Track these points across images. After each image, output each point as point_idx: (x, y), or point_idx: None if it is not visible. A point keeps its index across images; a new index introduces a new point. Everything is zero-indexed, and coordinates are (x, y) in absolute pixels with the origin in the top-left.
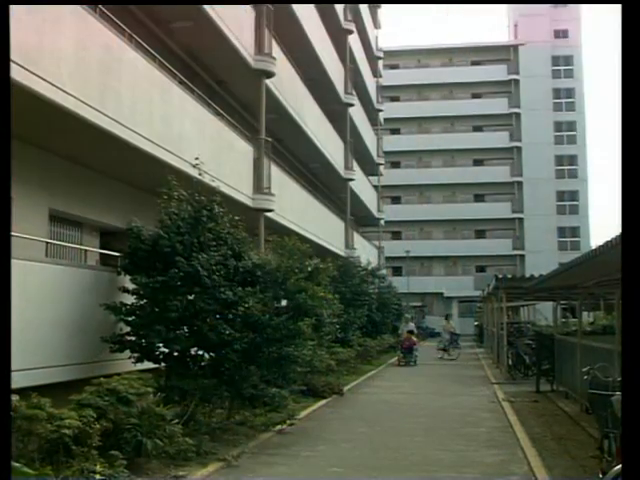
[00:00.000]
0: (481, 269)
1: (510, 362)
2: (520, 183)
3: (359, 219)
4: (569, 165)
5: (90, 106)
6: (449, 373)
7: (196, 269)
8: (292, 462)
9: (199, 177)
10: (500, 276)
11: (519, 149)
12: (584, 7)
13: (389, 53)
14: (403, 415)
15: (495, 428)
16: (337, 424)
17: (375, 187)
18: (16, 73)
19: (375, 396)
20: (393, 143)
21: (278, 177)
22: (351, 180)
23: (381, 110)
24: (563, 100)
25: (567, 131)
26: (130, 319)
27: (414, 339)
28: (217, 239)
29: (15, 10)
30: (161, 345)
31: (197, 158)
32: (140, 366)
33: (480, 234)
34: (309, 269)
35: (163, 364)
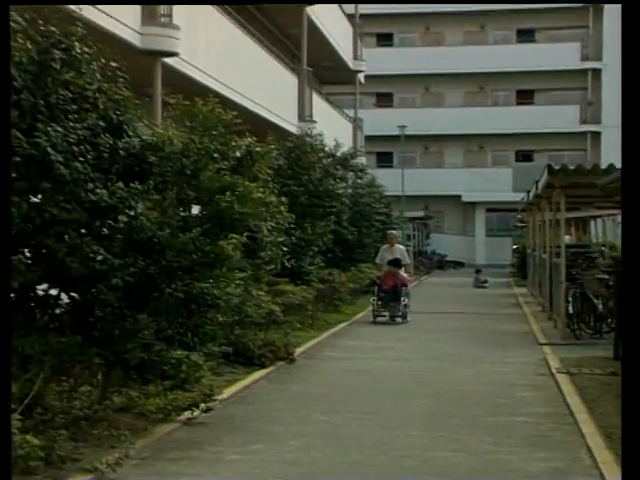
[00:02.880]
0: (525, 157)
1: (571, 310)
2: (599, 10)
3: (323, 72)
4: None
5: None
6: (469, 328)
7: (44, 151)
8: (208, 471)
9: None
10: (557, 167)
11: None
12: None
13: None
14: (392, 395)
15: (544, 416)
16: (283, 409)
17: (350, 17)
18: None
19: (347, 364)
20: None
21: None
22: (309, 3)
23: None
24: None
25: None
26: None
27: (403, 275)
28: (80, 100)
29: None
30: None
31: None
32: None
33: (526, 97)
34: (237, 154)
35: None
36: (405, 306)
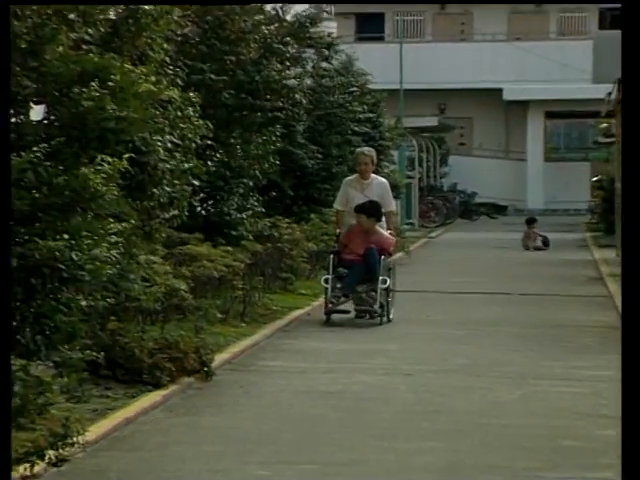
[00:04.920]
0: (617, 20)
1: None
2: None
3: None
4: None
5: None
6: (515, 319)
7: None
8: None
9: None
10: None
11: None
12: None
13: None
14: (381, 434)
15: None
16: (193, 458)
17: None
18: None
19: (303, 381)
20: None
21: None
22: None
23: None
24: None
25: None
26: None
27: (384, 233)
28: None
29: None
30: None
31: None
32: None
33: None
34: (111, 15)
35: None
36: (387, 292)
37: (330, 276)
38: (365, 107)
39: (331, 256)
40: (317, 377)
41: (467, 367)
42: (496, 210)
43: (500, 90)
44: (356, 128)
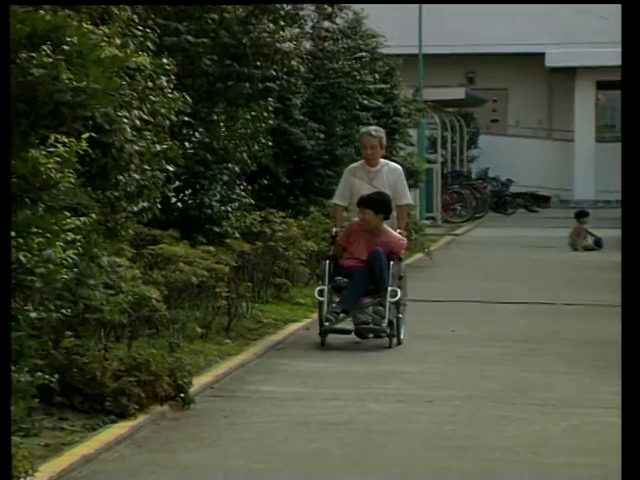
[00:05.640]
0: None
1: None
2: None
3: None
4: None
5: None
6: (559, 334)
7: None
8: None
9: None
10: None
11: None
12: None
13: None
14: (396, 474)
15: None
16: None
17: None
18: None
19: (301, 409)
20: None
21: None
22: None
23: None
24: None
25: None
26: None
27: (392, 233)
28: None
29: None
30: None
31: None
32: None
33: None
34: None
35: None
36: (397, 306)
37: (326, 287)
38: (376, 76)
39: (326, 262)
40: (318, 405)
41: (500, 393)
42: (536, 201)
43: (542, 55)
44: (365, 102)
